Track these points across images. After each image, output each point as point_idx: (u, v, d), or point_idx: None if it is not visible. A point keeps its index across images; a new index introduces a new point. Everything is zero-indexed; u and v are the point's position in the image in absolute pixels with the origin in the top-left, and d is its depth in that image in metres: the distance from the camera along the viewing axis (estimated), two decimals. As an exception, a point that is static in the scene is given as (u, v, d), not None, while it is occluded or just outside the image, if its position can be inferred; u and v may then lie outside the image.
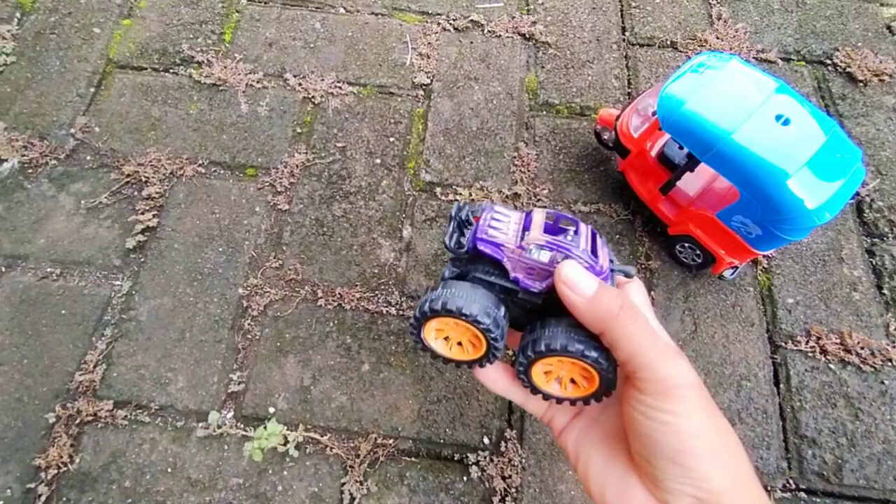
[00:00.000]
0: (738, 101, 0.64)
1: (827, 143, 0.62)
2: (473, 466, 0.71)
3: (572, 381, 0.37)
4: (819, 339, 0.81)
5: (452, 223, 0.40)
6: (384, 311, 0.81)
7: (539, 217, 0.37)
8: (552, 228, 0.38)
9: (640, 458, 0.33)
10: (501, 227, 0.37)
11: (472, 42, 1.06)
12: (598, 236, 0.37)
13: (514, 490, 0.70)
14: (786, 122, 0.63)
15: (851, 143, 0.65)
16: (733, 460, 0.31)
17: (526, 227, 0.37)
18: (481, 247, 0.37)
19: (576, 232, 0.37)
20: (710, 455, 0.30)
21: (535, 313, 0.38)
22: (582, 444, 0.38)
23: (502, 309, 0.38)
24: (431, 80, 1.01)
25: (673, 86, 0.69)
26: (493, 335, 0.37)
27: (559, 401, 0.38)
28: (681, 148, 0.78)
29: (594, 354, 0.34)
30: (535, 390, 0.39)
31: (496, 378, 0.40)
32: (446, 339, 0.40)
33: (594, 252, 0.36)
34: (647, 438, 0.31)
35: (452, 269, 0.40)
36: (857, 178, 0.63)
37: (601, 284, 0.34)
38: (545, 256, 0.35)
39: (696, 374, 0.31)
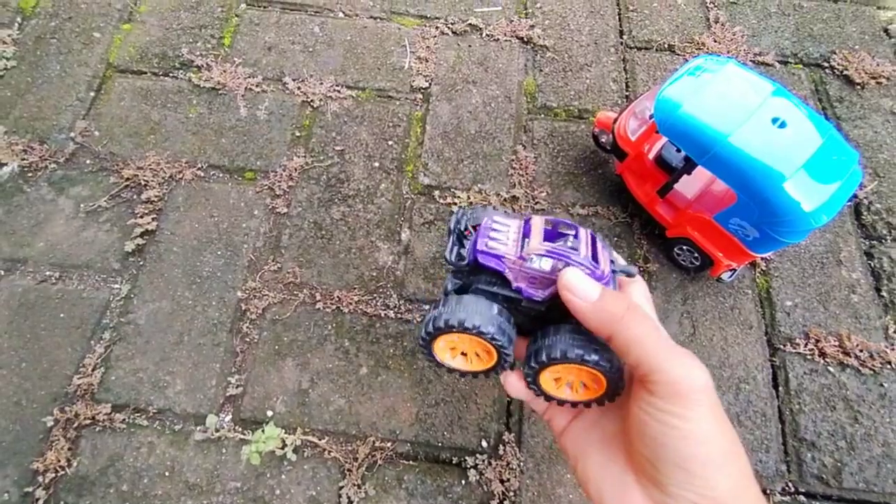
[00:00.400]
0: (735, 104, 0.64)
1: (823, 146, 0.63)
2: (471, 470, 0.71)
3: (583, 383, 0.37)
4: (818, 341, 0.81)
5: (452, 236, 0.40)
6: (382, 315, 0.81)
7: (538, 224, 0.37)
8: (552, 234, 0.38)
9: (643, 460, 0.32)
10: (501, 237, 0.37)
11: (470, 46, 1.06)
12: (598, 240, 0.37)
13: (512, 493, 0.70)
14: (782, 125, 0.63)
15: (848, 146, 0.65)
16: (736, 465, 0.31)
17: (525, 235, 0.37)
18: (482, 260, 0.37)
19: (575, 236, 0.37)
20: (717, 461, 0.30)
21: (539, 319, 0.38)
22: (582, 445, 0.38)
23: (508, 317, 0.38)
24: (430, 84, 1.01)
25: (669, 89, 0.69)
26: (501, 345, 0.37)
27: (573, 404, 0.38)
28: (678, 151, 0.78)
29: (594, 358, 0.34)
30: (547, 397, 0.39)
31: (512, 380, 0.40)
32: (463, 353, 0.41)
33: (595, 257, 0.36)
34: (654, 441, 0.31)
35: (455, 282, 0.40)
36: (853, 180, 0.63)
37: (604, 289, 0.34)
38: (546, 265, 0.36)
39: (708, 375, 0.31)
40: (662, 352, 0.31)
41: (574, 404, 0.39)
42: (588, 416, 0.39)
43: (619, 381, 0.35)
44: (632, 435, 0.33)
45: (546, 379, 0.37)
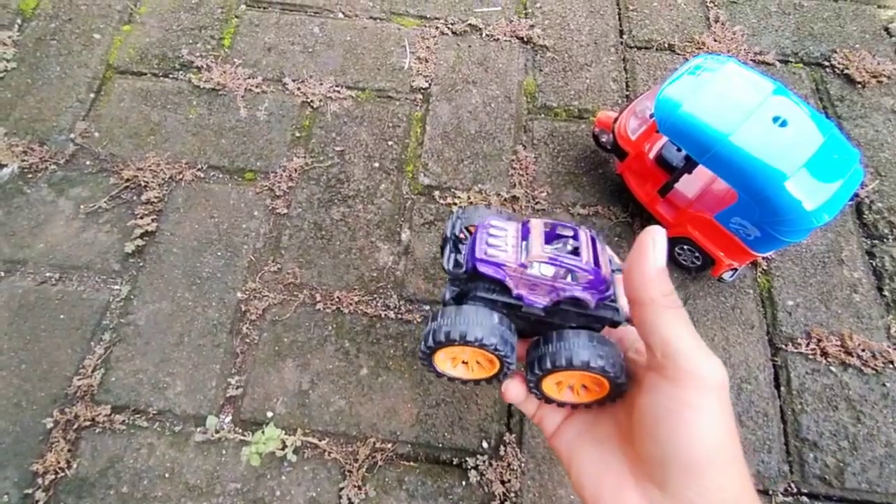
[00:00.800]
0: (735, 103, 0.64)
1: (825, 145, 0.62)
2: (472, 471, 0.71)
3: (584, 385, 0.37)
4: (819, 341, 0.81)
5: (448, 243, 0.39)
6: (383, 315, 0.81)
7: (538, 227, 0.37)
8: (550, 236, 0.37)
9: (646, 459, 0.32)
10: (499, 243, 0.37)
11: (469, 46, 1.06)
12: (597, 241, 0.37)
13: (513, 494, 0.70)
14: (783, 124, 0.63)
15: (849, 145, 0.65)
16: (737, 467, 0.30)
17: (524, 239, 0.36)
18: (482, 268, 0.36)
19: (575, 238, 0.36)
20: (725, 465, 0.30)
21: (540, 323, 0.38)
22: (575, 448, 0.37)
23: (509, 325, 0.37)
24: (430, 84, 1.01)
25: (670, 88, 0.69)
26: (503, 353, 0.37)
27: (574, 406, 0.38)
28: (679, 150, 0.78)
29: (601, 364, 0.34)
30: (548, 400, 0.38)
31: (514, 386, 0.39)
32: (464, 362, 0.40)
33: (596, 261, 0.35)
34: (661, 437, 0.30)
35: (452, 290, 0.39)
36: (855, 179, 0.63)
37: (664, 267, 0.33)
38: (549, 271, 0.35)
39: (727, 376, 0.31)
40: (690, 341, 0.30)
41: (574, 406, 0.38)
42: (582, 417, 0.39)
43: (622, 385, 0.35)
44: (637, 432, 0.33)
45: (548, 384, 0.37)
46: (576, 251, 0.35)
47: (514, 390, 0.39)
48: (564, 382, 0.37)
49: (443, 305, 0.38)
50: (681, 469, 0.30)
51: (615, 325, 0.37)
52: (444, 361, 0.40)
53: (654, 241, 0.32)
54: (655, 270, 0.32)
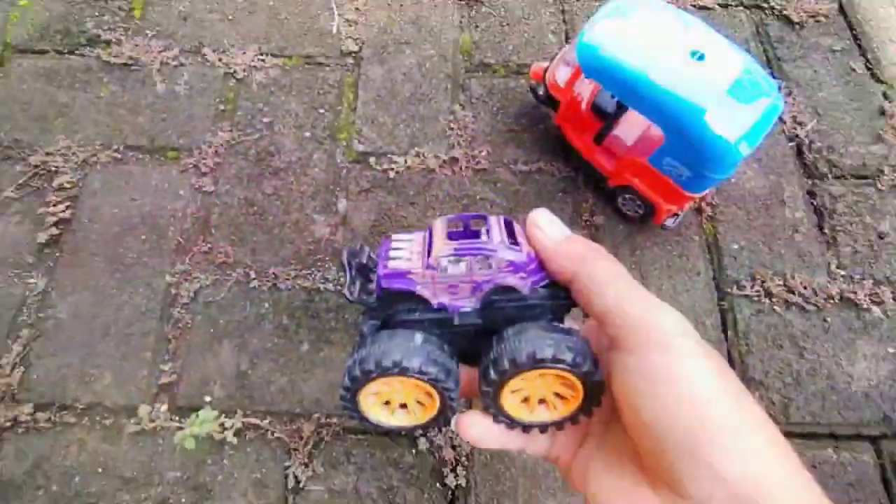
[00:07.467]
0: (654, 40, 0.62)
1: (742, 76, 0.61)
2: (422, 438, 0.70)
3: (557, 395, 0.30)
4: (763, 282, 0.81)
5: (350, 271, 0.32)
6: (321, 288, 0.78)
7: (440, 226, 0.31)
8: (461, 234, 0.32)
9: (652, 459, 0.26)
10: (403, 253, 0.31)
11: (401, 5, 1.01)
12: (514, 224, 0.32)
13: (464, 458, 0.69)
14: (701, 58, 0.61)
15: (767, 75, 0.64)
16: (756, 434, 0.24)
17: (430, 243, 0.31)
18: (386, 283, 0.30)
19: (486, 224, 0.31)
20: (731, 433, 0.23)
21: (484, 335, 0.31)
22: (590, 469, 0.30)
23: (440, 345, 0.31)
24: (360, 47, 0.96)
25: (589, 32, 0.66)
26: (434, 378, 0.29)
27: (558, 426, 0.31)
28: (612, 96, 0.76)
29: (569, 356, 0.27)
30: (523, 426, 0.31)
31: (483, 429, 0.31)
32: (387, 403, 0.32)
33: (514, 240, 0.30)
34: (652, 426, 0.24)
35: (371, 322, 0.32)
36: (774, 109, 0.62)
37: (572, 233, 0.30)
38: (461, 267, 0.30)
39: (682, 317, 0.25)
40: (636, 294, 0.26)
41: (557, 426, 0.31)
42: (593, 438, 0.32)
43: (597, 382, 0.29)
44: (630, 431, 0.27)
45: (510, 403, 0.30)
46: (487, 236, 0.30)
47: (475, 423, 0.31)
48: (532, 396, 0.30)
49: (361, 339, 0.32)
50: (682, 455, 0.24)
51: (566, 309, 0.31)
52: (377, 407, 0.32)
53: (537, 223, 0.30)
54: (558, 243, 0.29)
